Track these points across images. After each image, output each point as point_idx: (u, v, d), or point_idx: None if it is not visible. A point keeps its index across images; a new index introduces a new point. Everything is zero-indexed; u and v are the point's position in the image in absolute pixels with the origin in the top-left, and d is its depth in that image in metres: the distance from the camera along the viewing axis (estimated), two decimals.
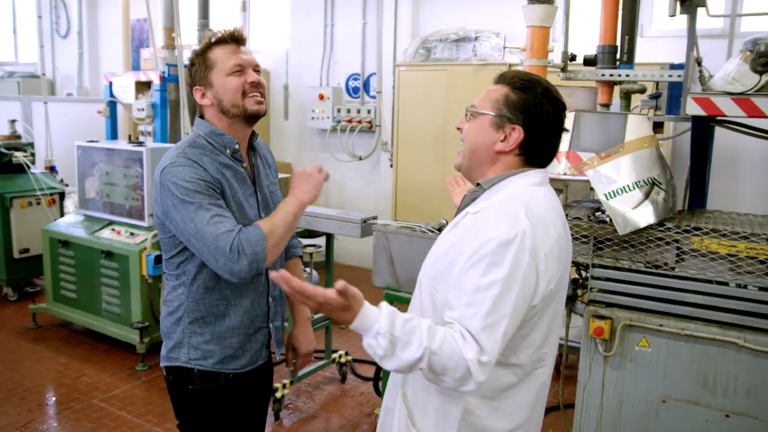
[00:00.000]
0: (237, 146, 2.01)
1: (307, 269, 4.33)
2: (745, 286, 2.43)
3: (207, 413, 2.04)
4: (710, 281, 2.48)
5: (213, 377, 2.02)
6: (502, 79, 1.64)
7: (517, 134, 1.58)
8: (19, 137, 6.16)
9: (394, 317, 1.43)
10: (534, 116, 1.58)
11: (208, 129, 1.99)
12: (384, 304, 1.47)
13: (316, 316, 4.22)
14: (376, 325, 1.41)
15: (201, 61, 1.98)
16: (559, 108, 1.62)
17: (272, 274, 1.45)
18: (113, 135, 5.98)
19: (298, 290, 1.41)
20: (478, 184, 1.66)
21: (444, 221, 3.63)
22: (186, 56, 5.20)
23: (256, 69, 2.00)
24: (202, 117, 2.04)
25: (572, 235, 2.65)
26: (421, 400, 1.67)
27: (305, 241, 4.26)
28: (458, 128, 1.71)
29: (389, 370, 1.50)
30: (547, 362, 1.67)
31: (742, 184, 5.25)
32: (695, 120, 2.98)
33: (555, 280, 1.55)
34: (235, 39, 1.98)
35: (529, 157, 1.63)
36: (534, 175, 1.63)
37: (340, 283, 1.39)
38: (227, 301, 2.00)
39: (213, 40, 1.97)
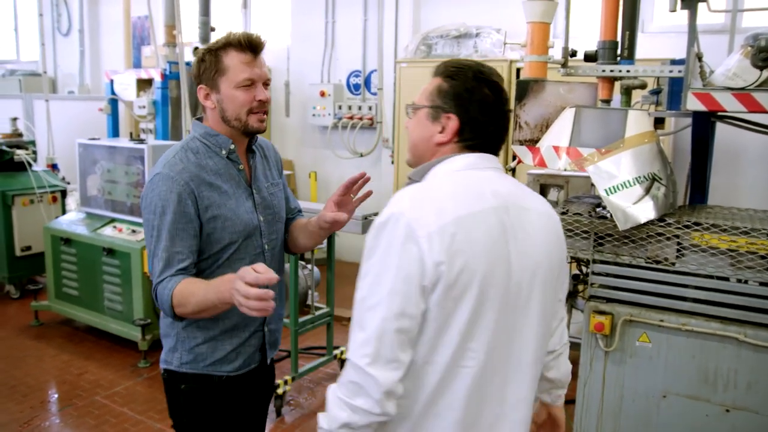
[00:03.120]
0: (233, 146, 1.97)
1: (308, 266, 4.34)
2: (745, 282, 2.43)
3: (197, 414, 2.03)
4: (711, 276, 2.48)
5: (205, 379, 2.00)
6: (435, 70, 1.61)
7: (452, 123, 1.54)
8: (20, 135, 6.18)
9: None
10: (467, 102, 1.54)
11: (203, 130, 1.97)
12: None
13: (317, 313, 4.23)
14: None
15: (212, 60, 1.90)
16: (496, 89, 1.56)
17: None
18: (115, 133, 6.00)
19: None
20: (409, 178, 1.61)
21: None
22: (187, 53, 5.24)
23: (266, 83, 1.95)
24: (200, 119, 2.03)
25: (573, 230, 2.66)
26: None
27: None
28: (407, 126, 1.68)
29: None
30: (475, 362, 1.45)
31: (743, 180, 5.24)
32: (696, 115, 2.98)
33: (458, 266, 1.38)
34: (253, 48, 1.90)
35: (469, 144, 1.57)
36: (459, 160, 1.55)
37: None
38: None
39: (230, 40, 1.89)
